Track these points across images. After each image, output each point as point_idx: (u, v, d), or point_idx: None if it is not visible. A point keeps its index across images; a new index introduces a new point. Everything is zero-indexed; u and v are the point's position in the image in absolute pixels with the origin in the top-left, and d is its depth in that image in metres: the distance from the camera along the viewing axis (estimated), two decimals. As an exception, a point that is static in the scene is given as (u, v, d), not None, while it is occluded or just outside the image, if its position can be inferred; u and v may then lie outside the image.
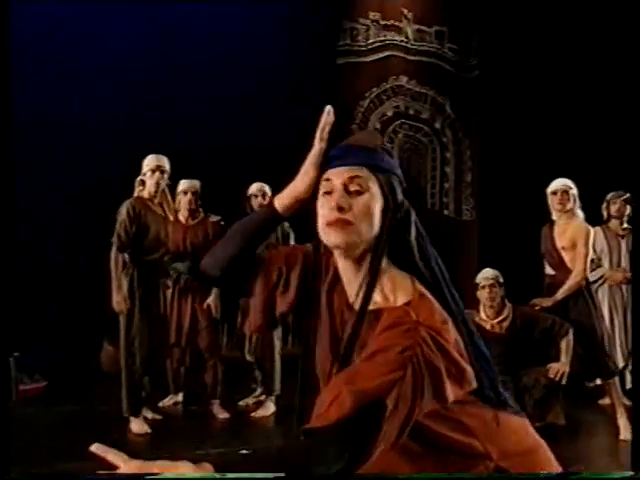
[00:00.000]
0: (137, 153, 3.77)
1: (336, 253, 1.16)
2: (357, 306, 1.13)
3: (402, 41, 6.41)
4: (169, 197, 3.84)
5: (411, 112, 6.51)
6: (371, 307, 1.12)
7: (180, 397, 4.37)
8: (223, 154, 5.49)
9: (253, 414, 4.10)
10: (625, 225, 4.80)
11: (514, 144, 6.29)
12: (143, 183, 3.70)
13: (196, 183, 4.10)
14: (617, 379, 3.81)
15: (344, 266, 1.16)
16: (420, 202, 6.43)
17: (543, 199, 3.95)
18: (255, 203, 4.15)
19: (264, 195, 4.15)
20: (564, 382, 3.56)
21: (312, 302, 1.18)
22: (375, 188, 1.15)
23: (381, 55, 6.39)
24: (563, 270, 3.75)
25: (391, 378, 0.99)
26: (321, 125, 1.16)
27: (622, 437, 3.50)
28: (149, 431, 3.62)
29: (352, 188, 1.14)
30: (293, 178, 1.20)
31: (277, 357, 4.13)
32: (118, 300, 3.53)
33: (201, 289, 3.95)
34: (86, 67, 5.34)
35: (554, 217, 3.90)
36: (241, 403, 4.35)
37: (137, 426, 3.62)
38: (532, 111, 6.22)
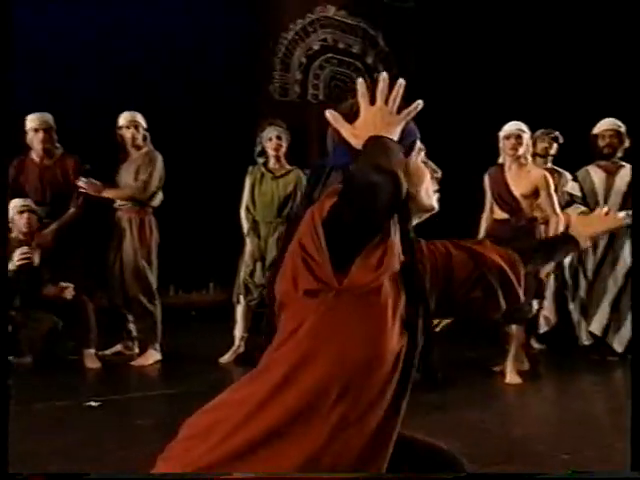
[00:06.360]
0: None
1: (415, 216, 1.23)
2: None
3: (328, -34, 5.96)
4: None
5: (340, 46, 6.11)
6: None
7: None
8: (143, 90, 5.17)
9: (133, 363, 3.92)
10: (549, 165, 4.59)
11: (453, 81, 5.95)
12: None
13: (48, 118, 3.79)
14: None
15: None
16: (349, 143, 6.10)
17: (483, 139, 3.89)
18: (127, 134, 3.88)
19: (137, 127, 3.87)
20: (437, 330, 3.40)
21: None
22: None
23: (305, -18, 5.94)
24: (518, 215, 3.78)
25: None
26: (400, 95, 1.13)
27: (507, 380, 3.60)
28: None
29: None
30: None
31: (153, 305, 3.92)
32: None
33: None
34: None
35: (504, 161, 3.86)
36: (115, 350, 4.15)
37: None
38: (474, 44, 5.84)
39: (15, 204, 3.67)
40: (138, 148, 3.95)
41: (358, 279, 1.03)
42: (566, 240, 1.50)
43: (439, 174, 1.27)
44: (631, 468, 2.03)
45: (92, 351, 3.83)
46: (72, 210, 3.85)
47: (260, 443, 1.05)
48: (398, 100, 1.12)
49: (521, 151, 3.75)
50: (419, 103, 1.15)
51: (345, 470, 1.08)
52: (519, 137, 3.74)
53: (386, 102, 1.11)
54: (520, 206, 3.76)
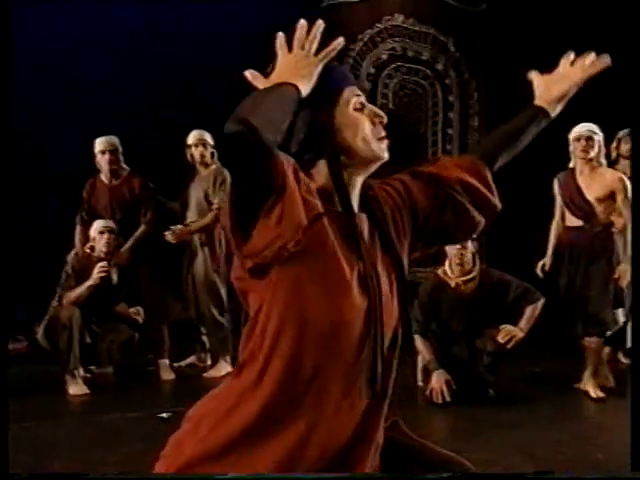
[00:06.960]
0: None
1: (362, 169, 1.13)
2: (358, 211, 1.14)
3: (395, -25, 5.90)
4: None
5: (409, 54, 6.02)
6: None
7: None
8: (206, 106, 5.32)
9: (205, 374, 4.00)
10: (634, 167, 4.34)
11: (526, 85, 5.74)
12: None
13: (114, 140, 3.96)
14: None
15: (357, 182, 1.13)
16: (420, 151, 6.00)
17: (557, 144, 3.72)
18: (196, 153, 3.99)
19: (205, 145, 3.97)
20: (510, 346, 3.28)
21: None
22: None
23: (372, -7, 5.91)
24: (593, 222, 3.63)
25: None
26: (317, 37, 1.08)
27: (592, 395, 3.50)
28: (87, 392, 3.58)
29: None
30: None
31: (225, 318, 3.99)
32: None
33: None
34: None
35: (575, 165, 3.72)
36: (189, 362, 4.25)
37: (74, 387, 3.57)
38: (546, 48, 5.60)
39: (97, 225, 3.85)
40: (206, 165, 4.05)
41: (257, 243, 0.98)
42: (532, 114, 1.29)
43: (384, 119, 1.13)
44: (631, 468, 1.99)
45: (166, 362, 3.95)
46: (143, 227, 4.00)
47: (241, 436, 1.04)
48: (315, 42, 1.06)
49: (592, 154, 3.58)
50: (339, 42, 1.07)
51: (332, 462, 1.04)
52: (590, 139, 3.57)
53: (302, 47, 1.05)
54: (595, 211, 3.59)
